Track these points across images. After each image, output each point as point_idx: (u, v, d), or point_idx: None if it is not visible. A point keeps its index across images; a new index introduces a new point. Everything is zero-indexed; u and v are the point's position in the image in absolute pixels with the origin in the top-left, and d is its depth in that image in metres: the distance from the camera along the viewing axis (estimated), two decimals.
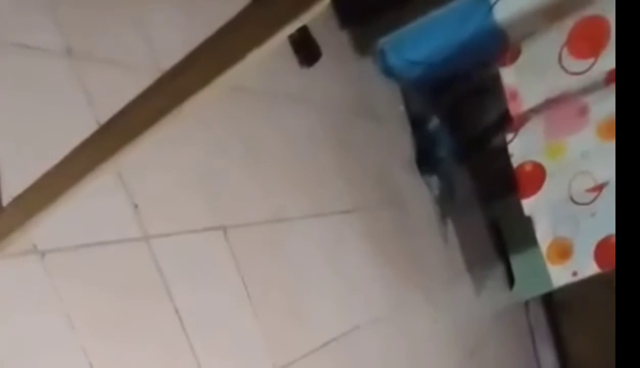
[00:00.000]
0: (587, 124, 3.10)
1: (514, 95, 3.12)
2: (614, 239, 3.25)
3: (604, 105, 2.97)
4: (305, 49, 2.48)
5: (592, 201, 3.31)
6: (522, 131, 3.18)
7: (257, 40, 0.85)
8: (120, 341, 1.35)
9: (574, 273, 3.46)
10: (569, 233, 3.41)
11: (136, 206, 1.47)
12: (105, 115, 0.99)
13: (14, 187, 1.15)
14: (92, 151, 1.02)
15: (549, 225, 3.41)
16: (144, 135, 0.94)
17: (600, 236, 3.34)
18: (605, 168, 3.04)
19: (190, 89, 0.91)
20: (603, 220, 3.25)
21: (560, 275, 3.48)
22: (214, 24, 0.86)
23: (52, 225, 1.09)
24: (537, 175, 3.22)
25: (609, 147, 2.93)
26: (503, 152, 3.23)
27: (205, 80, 0.90)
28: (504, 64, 3.10)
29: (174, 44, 1.30)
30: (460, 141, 3.58)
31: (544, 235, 3.42)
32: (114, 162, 0.99)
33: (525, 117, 3.16)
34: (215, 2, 1.85)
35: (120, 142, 0.97)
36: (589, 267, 3.42)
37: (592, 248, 3.39)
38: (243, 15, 0.86)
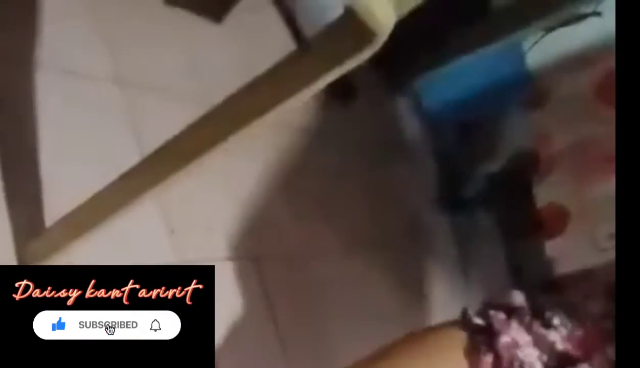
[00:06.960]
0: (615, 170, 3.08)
1: (543, 138, 3.13)
2: None
3: None
4: (341, 89, 2.52)
5: None
6: (549, 174, 3.17)
7: (301, 84, 0.88)
8: None
9: None
10: None
11: (173, 232, 1.50)
12: (151, 144, 1.03)
13: (57, 209, 1.18)
14: (136, 180, 1.05)
15: (571, 269, 3.37)
16: (189, 167, 0.97)
17: None
18: None
19: (236, 124, 0.94)
20: None
21: None
22: (262, 60, 0.90)
23: (90, 247, 1.13)
24: (562, 218, 3.19)
25: None
26: (528, 193, 3.23)
27: (250, 116, 0.93)
28: (534, 107, 3.11)
29: (224, 79, 1.34)
30: (487, 182, 3.58)
31: None
32: (157, 191, 1.02)
33: (552, 160, 3.16)
34: (265, 40, 1.89)
35: (165, 173, 0.99)
36: None
37: None
38: (289, 60, 0.90)
